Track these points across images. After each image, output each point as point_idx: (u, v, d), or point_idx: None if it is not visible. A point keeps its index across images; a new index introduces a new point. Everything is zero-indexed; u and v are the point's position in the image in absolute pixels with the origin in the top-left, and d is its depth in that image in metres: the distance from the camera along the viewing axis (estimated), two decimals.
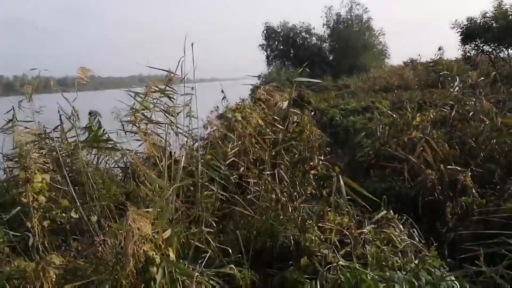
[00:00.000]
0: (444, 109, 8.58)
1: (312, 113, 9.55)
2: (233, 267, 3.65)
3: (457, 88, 8.84)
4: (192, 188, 4.54)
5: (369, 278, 2.89)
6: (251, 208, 4.48)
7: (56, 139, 4.24)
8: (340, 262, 3.25)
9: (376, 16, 47.15)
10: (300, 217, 4.43)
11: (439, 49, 18.66)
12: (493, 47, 17.49)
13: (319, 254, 3.48)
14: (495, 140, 6.66)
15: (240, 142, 5.01)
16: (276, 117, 5.55)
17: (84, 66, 3.73)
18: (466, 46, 18.46)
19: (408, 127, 7.52)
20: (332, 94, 20.26)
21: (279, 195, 4.69)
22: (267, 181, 4.77)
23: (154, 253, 2.86)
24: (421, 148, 6.72)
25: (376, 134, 8.29)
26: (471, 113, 7.92)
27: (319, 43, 40.16)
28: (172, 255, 3.05)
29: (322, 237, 3.99)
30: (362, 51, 37.28)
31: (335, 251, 3.46)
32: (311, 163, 5.15)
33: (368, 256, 3.25)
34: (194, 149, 5.25)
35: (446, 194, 5.67)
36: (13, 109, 4.60)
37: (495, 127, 6.93)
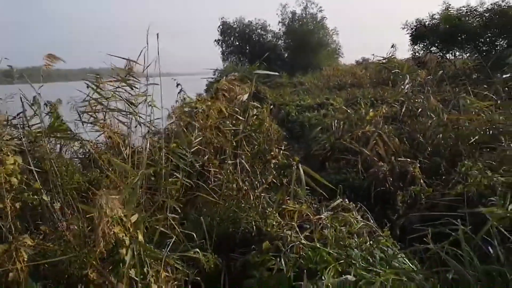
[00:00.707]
0: (395, 105, 9.02)
1: (272, 106, 9.75)
2: (198, 251, 3.77)
3: (407, 86, 9.30)
4: (153, 177, 4.60)
5: (329, 255, 3.10)
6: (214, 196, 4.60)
7: (19, 125, 4.19)
8: (303, 241, 3.43)
9: (330, 15, 47.99)
10: (260, 205, 4.60)
11: (392, 46, 19.31)
12: (439, 48, 18.39)
13: (282, 234, 3.65)
14: (441, 135, 7.10)
15: (201, 132, 5.12)
16: (237, 109, 5.69)
17: (51, 53, 3.70)
18: (415, 46, 19.31)
19: (362, 122, 7.84)
20: (288, 90, 20.54)
21: (240, 184, 4.83)
22: (228, 171, 4.91)
23: (123, 235, 2.92)
24: (374, 141, 7.05)
25: (331, 129, 8.57)
26: (419, 110, 8.37)
27: (274, 40, 40.52)
28: (140, 238, 3.13)
29: (282, 223, 4.17)
30: (316, 49, 37.81)
31: (298, 232, 3.64)
32: (272, 153, 5.32)
33: (329, 235, 3.45)
34: (157, 138, 5.30)
35: (396, 184, 5.99)
36: None
37: (441, 123, 7.38)
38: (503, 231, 3.07)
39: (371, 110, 8.17)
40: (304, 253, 3.29)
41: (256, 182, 5.01)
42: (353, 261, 3.03)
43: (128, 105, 4.41)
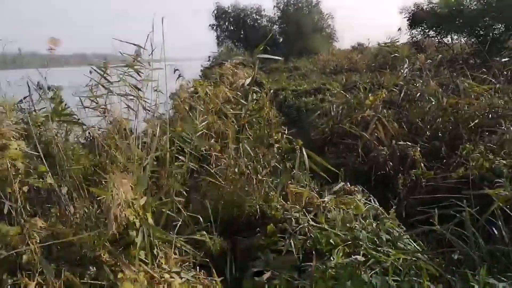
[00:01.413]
0: (394, 90, 9.04)
1: (271, 91, 9.76)
2: (205, 233, 3.82)
3: (406, 70, 9.32)
4: (155, 162, 4.62)
5: (336, 237, 3.16)
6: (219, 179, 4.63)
7: (26, 109, 4.18)
8: (311, 222, 3.48)
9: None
10: (263, 189, 4.64)
11: (399, 29, 19.19)
12: (437, 32, 18.34)
13: (288, 217, 3.70)
14: (440, 119, 7.15)
15: (204, 116, 5.14)
16: (239, 93, 5.71)
17: (53, 37, 3.67)
18: (413, 30, 19.28)
19: (361, 107, 7.86)
20: (284, 75, 20.51)
21: (243, 168, 4.87)
22: (231, 155, 4.94)
23: (134, 217, 2.96)
24: (374, 126, 7.09)
25: (329, 114, 8.60)
26: (418, 94, 8.41)
27: (269, 25, 40.27)
28: (150, 221, 3.16)
29: (286, 206, 4.22)
30: (311, 34, 37.67)
31: (306, 213, 3.69)
32: (275, 137, 5.35)
33: (337, 218, 3.50)
34: (163, 121, 5.31)
35: (397, 168, 6.05)
36: None
37: (440, 107, 7.42)
38: (508, 212, 3.14)
39: (370, 94, 8.18)
40: (312, 234, 3.34)
41: (259, 166, 5.04)
42: (360, 243, 3.09)
43: (134, 89, 4.40)
